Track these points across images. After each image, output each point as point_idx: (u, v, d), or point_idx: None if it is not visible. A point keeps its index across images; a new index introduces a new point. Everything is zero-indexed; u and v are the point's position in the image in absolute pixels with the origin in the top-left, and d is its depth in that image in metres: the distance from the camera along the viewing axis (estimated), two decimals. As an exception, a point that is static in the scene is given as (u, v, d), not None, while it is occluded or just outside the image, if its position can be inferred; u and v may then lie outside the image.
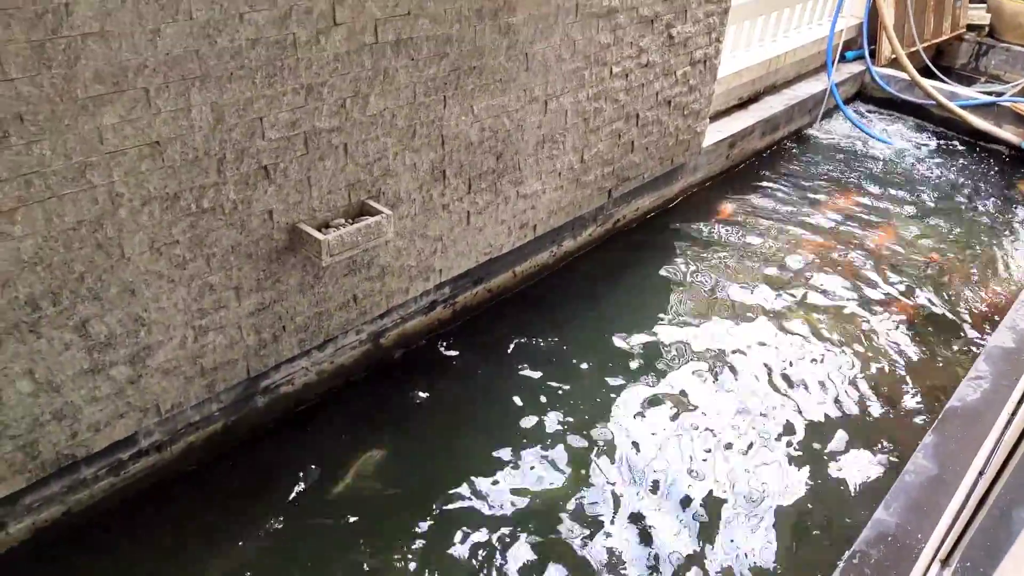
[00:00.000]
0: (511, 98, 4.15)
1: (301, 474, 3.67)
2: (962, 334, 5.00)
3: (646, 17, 4.78)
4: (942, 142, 7.79)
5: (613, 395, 4.28)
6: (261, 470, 3.67)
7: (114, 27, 2.55)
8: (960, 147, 7.71)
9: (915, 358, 4.73)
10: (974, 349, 4.82)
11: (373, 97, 3.47)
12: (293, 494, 3.57)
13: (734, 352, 4.66)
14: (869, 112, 8.33)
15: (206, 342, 3.33)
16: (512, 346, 4.57)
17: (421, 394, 4.19)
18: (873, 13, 8.25)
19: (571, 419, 4.10)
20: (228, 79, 2.92)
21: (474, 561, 3.36)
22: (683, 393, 4.33)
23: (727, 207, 6.27)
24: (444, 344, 4.55)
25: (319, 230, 3.45)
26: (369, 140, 3.55)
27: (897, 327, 4.99)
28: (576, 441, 3.97)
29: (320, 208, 3.49)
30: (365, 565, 3.30)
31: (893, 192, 6.72)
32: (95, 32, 2.51)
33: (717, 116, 6.77)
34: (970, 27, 9.51)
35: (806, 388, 4.44)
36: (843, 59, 8.32)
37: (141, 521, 3.37)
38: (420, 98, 3.68)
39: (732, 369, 4.53)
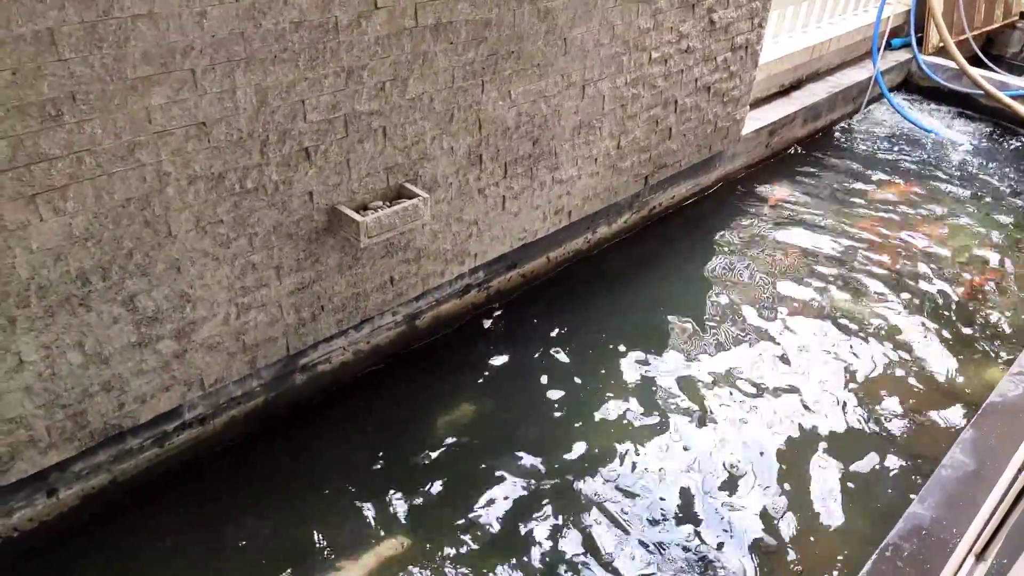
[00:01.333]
0: (549, 83, 4.15)
1: (339, 451, 3.75)
2: (1009, 330, 4.88)
3: (687, 1, 4.74)
4: (990, 133, 7.59)
5: (648, 381, 4.28)
6: (300, 445, 3.76)
7: (162, 8, 2.61)
8: (1009, 138, 7.50)
9: (960, 353, 4.65)
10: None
11: (412, 81, 3.50)
12: (330, 470, 3.65)
13: (771, 342, 4.62)
14: (915, 101, 8.14)
15: (248, 319, 3.41)
16: (546, 331, 4.59)
17: (454, 376, 4.24)
18: (921, 0, 8.04)
19: (605, 402, 4.11)
20: (272, 61, 2.98)
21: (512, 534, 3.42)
22: (718, 381, 4.31)
23: (775, 194, 6.20)
24: (478, 327, 4.59)
25: (358, 212, 3.51)
26: (408, 123, 3.59)
27: (943, 322, 4.90)
28: (605, 422, 3.99)
29: (359, 190, 3.55)
30: (400, 542, 3.38)
31: (940, 184, 6.57)
32: (144, 14, 2.58)
33: (758, 103, 6.68)
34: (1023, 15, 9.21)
35: (845, 381, 4.39)
36: (889, 47, 8.13)
37: (183, 491, 3.48)
38: (458, 82, 3.70)
39: (769, 359, 4.49)
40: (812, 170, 6.64)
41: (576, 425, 3.98)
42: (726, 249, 5.50)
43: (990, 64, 8.37)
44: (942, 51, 8.08)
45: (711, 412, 4.11)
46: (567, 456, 3.82)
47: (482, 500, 3.57)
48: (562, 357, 4.41)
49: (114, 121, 2.66)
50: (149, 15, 2.60)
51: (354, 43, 3.20)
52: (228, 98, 2.92)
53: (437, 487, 3.61)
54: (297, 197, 3.33)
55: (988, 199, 6.39)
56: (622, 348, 4.50)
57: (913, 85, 8.30)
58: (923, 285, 5.22)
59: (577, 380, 4.26)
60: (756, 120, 6.42)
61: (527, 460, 3.78)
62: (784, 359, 4.50)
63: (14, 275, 2.63)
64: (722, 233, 5.70)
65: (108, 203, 2.76)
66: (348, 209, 3.48)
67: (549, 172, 4.51)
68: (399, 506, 3.51)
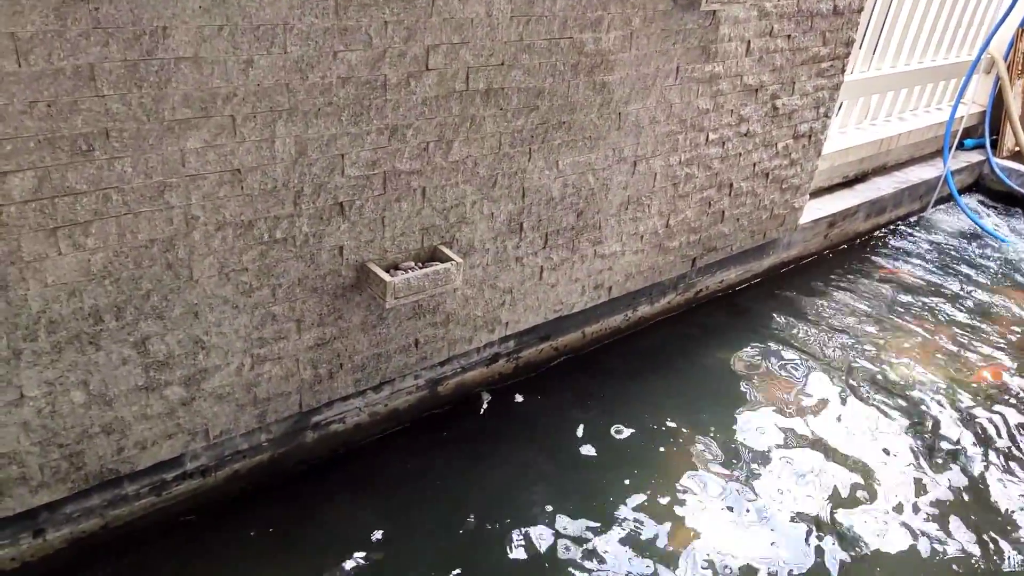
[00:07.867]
0: (599, 156, 4.04)
1: (345, 517, 3.56)
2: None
3: (750, 86, 4.61)
4: (1067, 244, 7.19)
5: (684, 477, 4.01)
6: (304, 506, 3.59)
7: (208, 54, 2.58)
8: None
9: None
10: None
11: (457, 143, 3.42)
12: (334, 536, 3.46)
13: (814, 450, 4.31)
14: (985, 205, 7.81)
15: (262, 371, 3.30)
16: (574, 413, 4.37)
17: (473, 446, 4.04)
18: (998, 102, 7.79)
19: (625, 502, 3.85)
20: (315, 114, 2.93)
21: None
22: (745, 488, 4.01)
23: (891, 265, 6.11)
24: (503, 399, 4.40)
25: (388, 271, 3.40)
26: (448, 186, 3.50)
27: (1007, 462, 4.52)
28: (618, 531, 3.72)
29: (391, 249, 3.45)
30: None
31: (1006, 300, 6.20)
32: (189, 57, 2.55)
33: (818, 192, 6.47)
34: (1107, 124, 8.84)
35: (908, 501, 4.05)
36: (961, 147, 7.87)
37: (177, 542, 3.33)
38: (505, 148, 3.61)
39: (810, 471, 4.18)
40: (873, 267, 6.34)
41: (593, 504, 3.73)
42: (777, 343, 5.22)
43: (1068, 173, 8.01)
44: (1017, 156, 7.77)
45: (733, 511, 3.81)
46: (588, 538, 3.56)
47: (485, 590, 3.33)
48: (588, 449, 4.17)
49: (146, 161, 2.61)
50: (194, 59, 2.57)
51: (401, 102, 3.14)
52: (266, 147, 2.87)
53: (444, 568, 3.39)
54: (327, 251, 3.24)
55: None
56: (656, 436, 4.24)
57: (984, 188, 7.98)
58: (984, 416, 4.85)
59: (601, 467, 4.01)
60: (816, 210, 6.20)
61: (547, 529, 3.54)
62: (824, 469, 4.17)
63: (25, 307, 2.56)
64: (772, 323, 5.43)
65: (131, 242, 2.70)
66: (377, 267, 3.38)
67: (591, 246, 4.36)
68: (396, 587, 3.30)
